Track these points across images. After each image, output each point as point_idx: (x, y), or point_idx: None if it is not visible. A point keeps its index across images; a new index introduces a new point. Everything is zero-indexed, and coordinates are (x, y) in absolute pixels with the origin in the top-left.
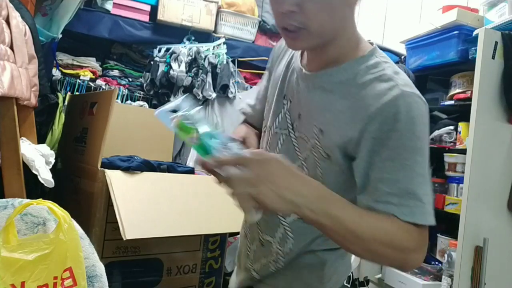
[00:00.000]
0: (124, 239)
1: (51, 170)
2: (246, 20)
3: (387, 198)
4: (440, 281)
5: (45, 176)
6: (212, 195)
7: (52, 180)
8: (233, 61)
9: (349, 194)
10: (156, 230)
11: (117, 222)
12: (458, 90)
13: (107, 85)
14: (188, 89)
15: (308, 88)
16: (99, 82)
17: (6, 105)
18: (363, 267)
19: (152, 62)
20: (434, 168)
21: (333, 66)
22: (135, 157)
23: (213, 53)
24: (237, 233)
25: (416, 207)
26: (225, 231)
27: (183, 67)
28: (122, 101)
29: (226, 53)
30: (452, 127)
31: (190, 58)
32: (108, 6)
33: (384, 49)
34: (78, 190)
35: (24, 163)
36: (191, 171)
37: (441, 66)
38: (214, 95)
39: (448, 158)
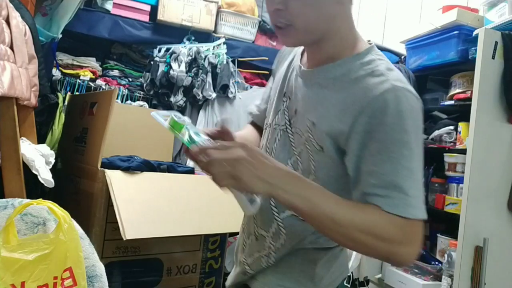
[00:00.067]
0: (124, 239)
1: (51, 170)
2: (246, 20)
3: (373, 190)
4: (440, 281)
5: (45, 176)
6: (212, 195)
7: (52, 180)
8: (233, 61)
9: (343, 194)
10: (156, 230)
11: (117, 222)
12: (458, 90)
13: (107, 85)
14: (188, 89)
15: (305, 84)
16: (99, 82)
17: (6, 105)
18: (363, 267)
19: (152, 62)
20: (434, 168)
21: (330, 63)
22: (135, 157)
23: (213, 53)
24: (237, 233)
25: (399, 199)
26: (225, 231)
27: (183, 67)
28: (122, 101)
29: (226, 53)
30: (452, 127)
31: (190, 58)
32: (108, 6)
33: (384, 49)
34: (78, 190)
35: (24, 163)
36: (191, 171)
37: (441, 66)
38: (214, 95)
39: (448, 158)
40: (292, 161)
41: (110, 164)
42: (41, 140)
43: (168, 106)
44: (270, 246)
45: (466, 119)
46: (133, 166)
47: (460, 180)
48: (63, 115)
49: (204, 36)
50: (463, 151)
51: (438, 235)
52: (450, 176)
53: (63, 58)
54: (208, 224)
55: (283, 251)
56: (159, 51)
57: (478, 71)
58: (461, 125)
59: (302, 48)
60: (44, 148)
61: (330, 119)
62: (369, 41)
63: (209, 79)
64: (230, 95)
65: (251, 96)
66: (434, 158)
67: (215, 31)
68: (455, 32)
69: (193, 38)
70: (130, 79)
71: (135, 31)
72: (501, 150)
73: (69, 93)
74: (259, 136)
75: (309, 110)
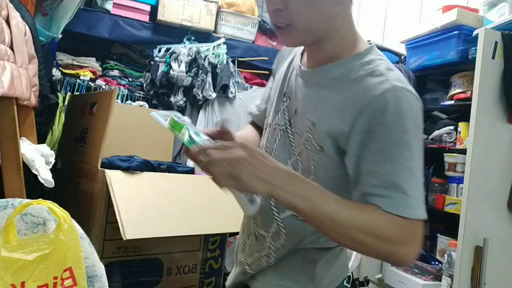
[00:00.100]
0: (124, 239)
1: (51, 170)
2: (246, 20)
3: (373, 190)
4: (440, 281)
5: (45, 176)
6: (212, 195)
7: (52, 180)
8: (233, 61)
9: (343, 194)
10: (156, 230)
11: (117, 222)
12: (458, 90)
13: (107, 85)
14: (188, 89)
15: (305, 84)
16: (99, 82)
17: (6, 105)
18: (363, 267)
19: (152, 62)
20: (434, 168)
21: (330, 63)
22: (135, 157)
23: (213, 53)
24: (237, 233)
25: (399, 199)
26: (225, 231)
27: (183, 67)
28: (122, 101)
29: (226, 53)
30: (452, 127)
31: (190, 58)
32: (108, 6)
33: (384, 49)
34: (78, 190)
35: (24, 163)
36: (191, 171)
37: (441, 66)
38: (214, 95)
39: (448, 158)
40: (292, 161)
41: (110, 164)
42: (41, 140)
43: (168, 106)
44: (270, 246)
45: (466, 119)
46: (133, 166)
47: (460, 180)
48: (63, 115)
49: (204, 36)
50: (463, 151)
51: (438, 235)
52: (450, 176)
53: (63, 58)
54: (208, 224)
55: (283, 251)
56: (159, 51)
57: (478, 71)
58: (461, 125)
59: (302, 48)
60: (44, 148)
61: (330, 119)
62: (369, 41)
63: (209, 79)
64: (230, 95)
65: (251, 96)
66: (434, 158)
67: (215, 31)
68: (455, 32)
69: (193, 38)
70: (130, 79)
71: (135, 31)
72: (501, 150)
73: (69, 93)
74: (259, 136)
75: (309, 110)
